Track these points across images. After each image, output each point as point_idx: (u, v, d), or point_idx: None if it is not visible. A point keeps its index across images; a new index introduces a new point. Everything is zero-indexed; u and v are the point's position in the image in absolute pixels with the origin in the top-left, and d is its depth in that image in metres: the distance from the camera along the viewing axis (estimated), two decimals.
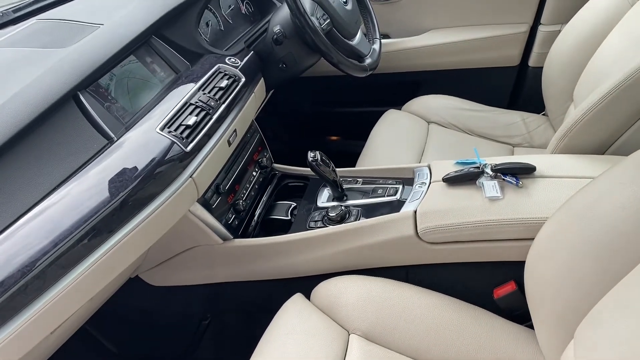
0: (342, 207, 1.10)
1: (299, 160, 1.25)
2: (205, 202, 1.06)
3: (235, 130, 1.08)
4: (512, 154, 1.47)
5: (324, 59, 1.28)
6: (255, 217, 1.23)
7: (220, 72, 1.11)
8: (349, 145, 1.93)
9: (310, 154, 1.08)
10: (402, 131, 1.55)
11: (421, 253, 0.99)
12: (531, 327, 0.81)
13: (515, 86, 1.89)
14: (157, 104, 0.97)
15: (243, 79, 1.14)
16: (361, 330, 0.91)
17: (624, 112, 0.98)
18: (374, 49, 1.45)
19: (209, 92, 1.03)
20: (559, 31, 1.48)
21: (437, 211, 0.95)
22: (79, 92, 0.86)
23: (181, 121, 0.93)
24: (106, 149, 0.83)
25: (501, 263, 0.96)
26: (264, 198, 1.29)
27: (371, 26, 1.51)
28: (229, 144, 1.06)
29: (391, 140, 1.51)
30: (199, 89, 1.02)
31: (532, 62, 1.78)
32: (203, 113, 0.97)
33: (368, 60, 1.39)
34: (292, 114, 2.18)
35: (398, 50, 1.85)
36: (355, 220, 1.07)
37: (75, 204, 0.74)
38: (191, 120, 0.93)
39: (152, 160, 0.84)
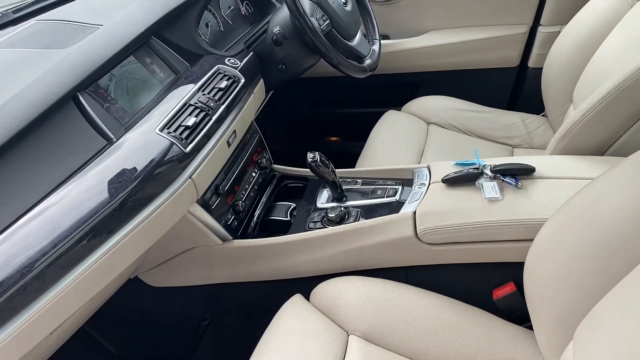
0: (342, 208, 1.10)
1: (299, 161, 1.25)
2: (204, 203, 1.06)
3: (234, 131, 1.08)
4: (512, 155, 1.47)
5: (323, 60, 1.28)
6: (255, 218, 1.23)
7: (220, 73, 1.11)
8: (348, 146, 1.93)
9: (310, 155, 1.08)
10: (402, 132, 1.55)
11: (420, 254, 0.99)
12: (530, 328, 0.81)
13: (514, 87, 1.89)
14: (157, 104, 0.97)
15: (242, 80, 1.15)
16: (360, 331, 0.91)
17: (623, 113, 0.98)
18: (373, 49, 1.45)
19: (209, 93, 1.03)
20: (559, 32, 1.48)
21: (437, 212, 0.95)
22: (78, 93, 0.86)
23: (180, 122, 0.93)
24: (105, 150, 0.83)
25: (500, 264, 0.96)
26: (264, 199, 1.29)
27: (371, 27, 1.52)
28: (229, 144, 1.06)
29: (391, 141, 1.51)
30: (198, 89, 1.02)
31: (531, 63, 1.78)
32: (202, 114, 0.97)
33: (367, 61, 1.39)
34: (291, 114, 2.18)
35: (398, 51, 1.85)
36: (355, 221, 1.07)
37: (75, 204, 0.74)
38: (190, 121, 0.93)
39: (151, 161, 0.84)
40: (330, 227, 1.07)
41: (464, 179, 1.00)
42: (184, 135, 0.91)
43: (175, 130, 0.91)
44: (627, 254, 0.60)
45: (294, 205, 1.23)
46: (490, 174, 0.98)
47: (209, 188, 1.07)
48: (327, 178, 1.11)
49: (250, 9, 1.51)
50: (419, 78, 1.91)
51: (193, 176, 0.92)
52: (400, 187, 1.13)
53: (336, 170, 1.13)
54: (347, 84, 1.79)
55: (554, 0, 1.64)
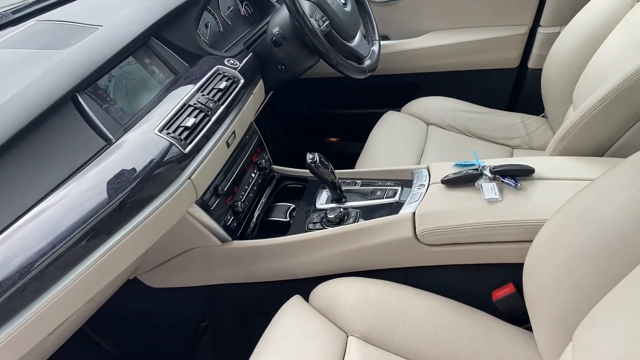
0: (341, 209, 1.09)
1: (298, 162, 1.25)
2: (203, 204, 1.06)
3: (234, 132, 1.08)
4: (512, 156, 1.47)
5: (323, 61, 1.28)
6: (254, 219, 1.23)
7: (219, 74, 1.11)
8: (348, 147, 1.93)
9: (309, 156, 1.08)
10: (401, 133, 1.55)
11: (420, 255, 0.99)
12: (530, 329, 0.81)
13: (514, 88, 1.89)
14: (156, 105, 0.97)
15: (242, 81, 1.14)
16: (360, 332, 0.91)
17: (622, 114, 0.98)
18: (373, 50, 1.45)
19: (208, 94, 1.03)
20: (558, 33, 1.48)
21: (436, 213, 0.95)
22: (77, 94, 0.86)
23: (180, 123, 0.93)
24: (104, 151, 0.83)
25: (500, 265, 0.96)
26: (263, 200, 1.29)
27: (370, 28, 1.52)
28: (228, 145, 1.06)
29: (390, 141, 1.51)
30: (197, 90, 1.02)
31: (531, 64, 1.78)
32: (202, 115, 0.97)
33: (367, 62, 1.39)
34: (291, 115, 2.18)
35: (397, 51, 1.85)
36: (354, 222, 1.07)
37: (74, 205, 0.74)
38: (190, 122, 0.93)
39: (150, 162, 0.84)
40: (330, 228, 1.06)
41: (464, 180, 1.00)
42: (183, 136, 0.91)
43: (174, 131, 0.91)
44: (626, 255, 0.60)
45: (293, 206, 1.23)
46: (489, 175, 0.98)
47: (208, 189, 1.07)
48: (327, 179, 1.11)
49: (250, 10, 1.51)
50: (418, 79, 1.91)
51: (192, 177, 0.92)
52: (399, 188, 1.13)
53: (335, 171, 1.13)
54: (346, 85, 1.79)
55: (553, 1, 1.64)
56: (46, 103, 0.79)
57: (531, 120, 1.58)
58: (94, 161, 0.81)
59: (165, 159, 0.86)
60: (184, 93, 1.00)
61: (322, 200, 1.19)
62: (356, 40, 1.40)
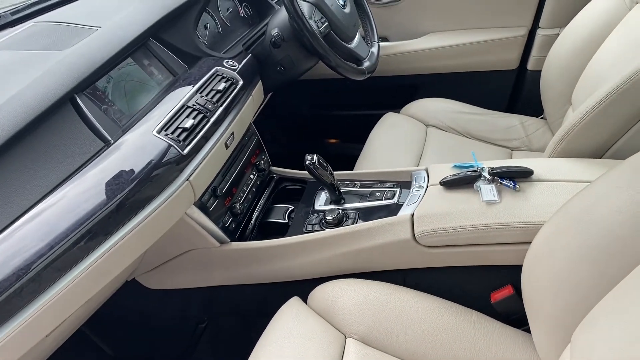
0: (340, 211, 1.09)
1: (297, 164, 1.25)
2: (202, 205, 1.05)
3: (232, 133, 1.08)
4: (511, 158, 1.47)
5: (322, 62, 1.28)
6: (253, 220, 1.23)
7: (218, 75, 1.11)
8: (347, 148, 1.94)
9: (308, 157, 1.08)
10: (401, 134, 1.55)
11: (418, 257, 0.99)
12: (528, 331, 0.81)
13: (513, 90, 1.89)
14: (155, 106, 0.97)
15: (241, 82, 1.14)
16: (358, 334, 0.91)
17: (621, 115, 0.98)
18: (372, 52, 1.45)
19: (207, 95, 1.03)
20: (558, 35, 1.49)
21: (435, 215, 0.95)
22: (76, 95, 0.86)
23: (178, 124, 0.93)
24: (103, 152, 0.83)
25: (498, 267, 0.96)
26: (262, 201, 1.29)
27: (369, 29, 1.52)
28: (227, 146, 1.06)
29: (389, 143, 1.51)
30: (196, 91, 1.02)
31: (530, 66, 1.78)
32: (200, 116, 0.97)
33: (366, 64, 1.39)
34: (290, 116, 2.18)
35: (396, 53, 1.86)
36: (353, 223, 1.07)
37: (72, 206, 0.74)
38: (188, 123, 0.93)
39: (149, 163, 0.84)
40: (328, 230, 1.06)
41: (462, 182, 1.00)
42: (181, 137, 0.91)
43: (172, 132, 0.91)
44: (625, 257, 0.60)
45: (292, 207, 1.23)
46: (488, 176, 0.98)
47: (206, 190, 1.07)
48: (325, 180, 1.11)
49: (249, 11, 1.51)
50: (417, 80, 1.91)
51: (190, 178, 0.91)
52: (398, 190, 1.13)
53: (334, 172, 1.13)
54: (345, 86, 1.79)
55: (552, 3, 1.65)
56: (44, 104, 0.79)
57: (530, 121, 1.58)
58: (92, 162, 0.80)
59: (163, 161, 0.86)
60: (182, 94, 1.00)
61: (321, 201, 1.18)
62: (355, 42, 1.40)
